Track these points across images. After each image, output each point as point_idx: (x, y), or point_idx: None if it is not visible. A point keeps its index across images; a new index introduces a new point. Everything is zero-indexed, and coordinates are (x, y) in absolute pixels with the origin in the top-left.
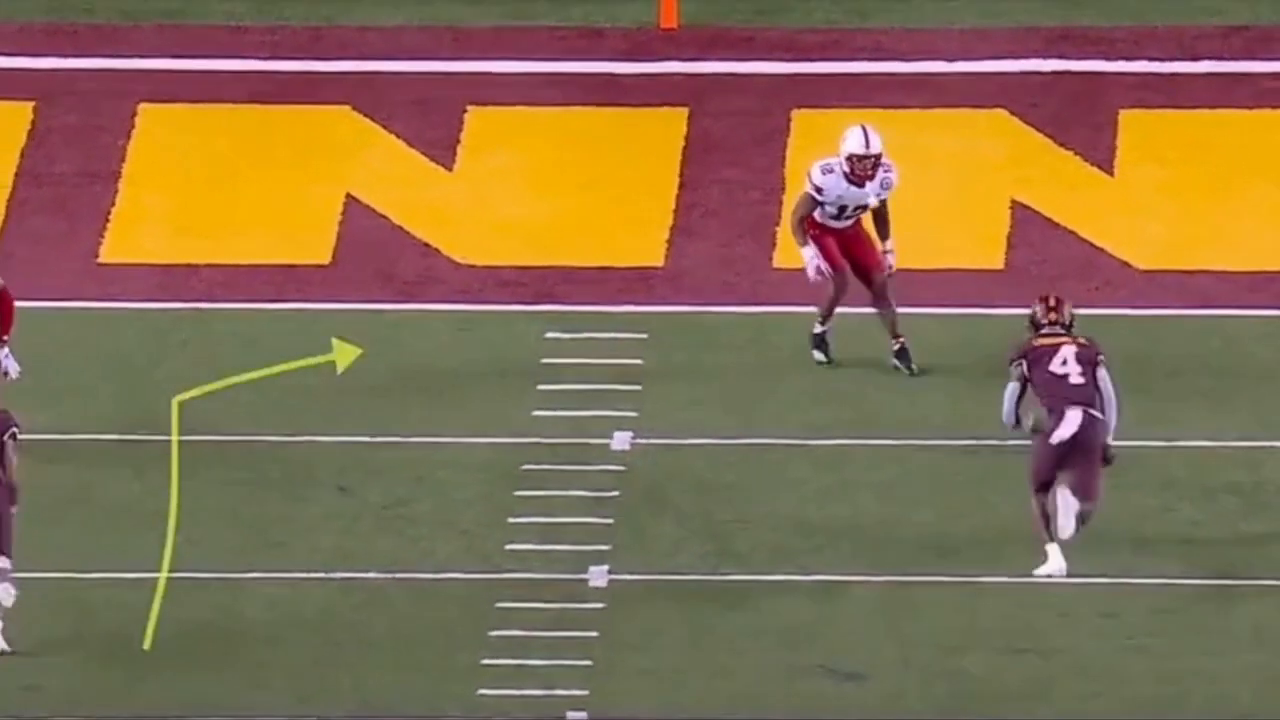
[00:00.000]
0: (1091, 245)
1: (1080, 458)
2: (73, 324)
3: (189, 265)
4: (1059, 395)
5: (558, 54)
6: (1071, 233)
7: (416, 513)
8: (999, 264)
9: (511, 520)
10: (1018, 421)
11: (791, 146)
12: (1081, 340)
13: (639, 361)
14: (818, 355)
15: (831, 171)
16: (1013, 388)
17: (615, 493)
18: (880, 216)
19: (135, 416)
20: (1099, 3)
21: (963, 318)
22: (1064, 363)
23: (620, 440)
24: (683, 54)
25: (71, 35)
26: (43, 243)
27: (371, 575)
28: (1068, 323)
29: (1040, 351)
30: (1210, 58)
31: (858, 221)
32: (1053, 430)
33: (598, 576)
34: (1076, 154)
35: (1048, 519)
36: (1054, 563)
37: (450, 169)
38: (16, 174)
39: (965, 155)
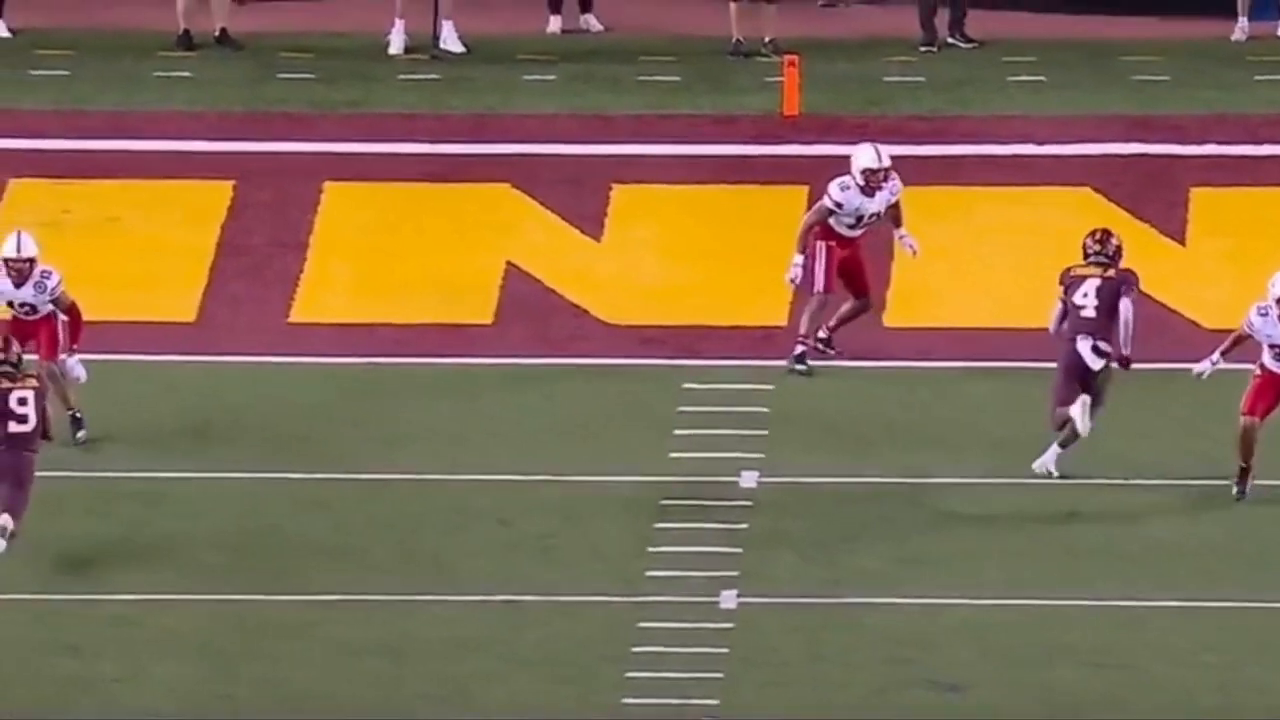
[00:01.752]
0: (1165, 307)
1: (1090, 381)
2: (265, 377)
3: (367, 325)
4: (1072, 325)
5: (693, 138)
6: (1147, 295)
7: (567, 543)
8: None
9: (651, 550)
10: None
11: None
12: (1110, 273)
13: (764, 409)
14: (800, 367)
15: (849, 188)
16: (1058, 307)
17: (743, 525)
18: (893, 213)
19: (324, 459)
20: (1173, 93)
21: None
22: (1084, 295)
23: (748, 479)
24: (803, 138)
25: (267, 122)
26: (239, 305)
27: (527, 598)
28: (1110, 254)
29: (1073, 279)
30: (1271, 142)
31: (861, 241)
32: (1074, 362)
33: (728, 600)
34: (1152, 226)
35: (1064, 423)
36: (1047, 455)
37: (598, 240)
38: (217, 245)
39: (1055, 228)
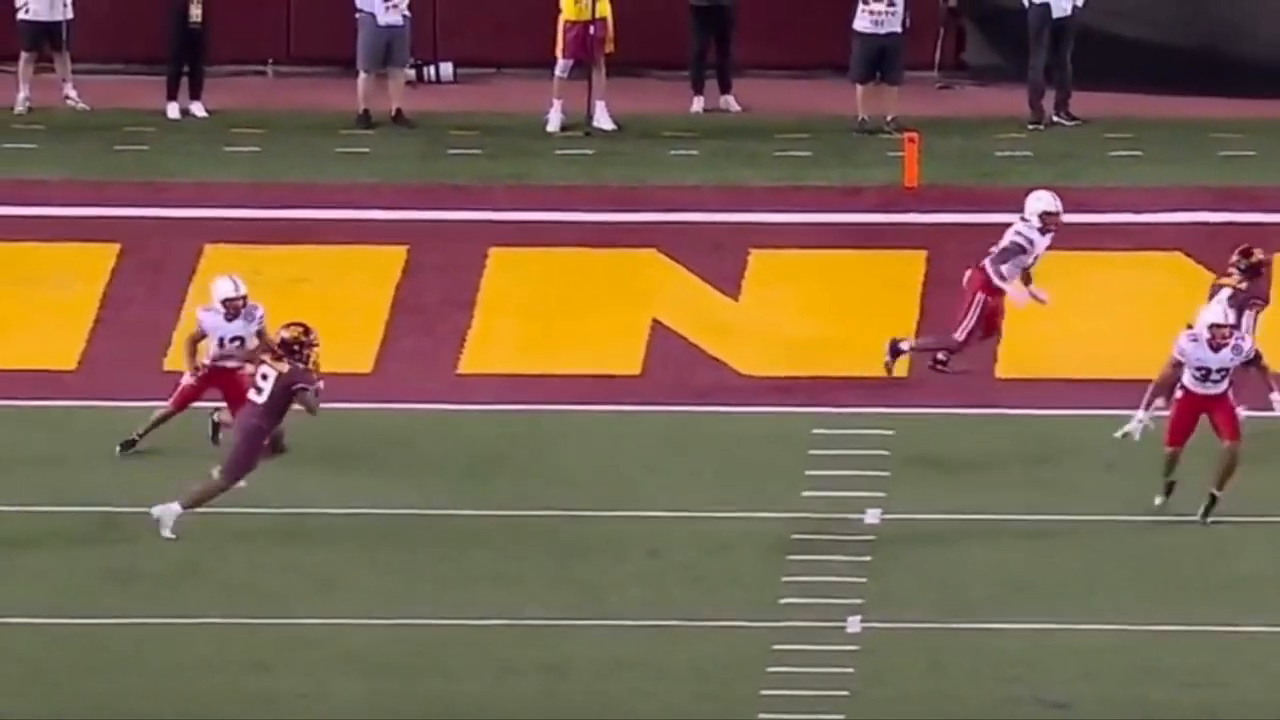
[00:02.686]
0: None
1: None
2: (436, 423)
3: (529, 375)
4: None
5: (822, 208)
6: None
7: (711, 572)
8: None
9: (785, 579)
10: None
11: None
12: (1244, 285)
13: (887, 453)
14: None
15: (1029, 223)
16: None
17: (868, 558)
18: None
19: (490, 497)
20: (1256, 167)
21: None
22: (1218, 302)
23: (872, 516)
24: (922, 208)
25: (438, 194)
26: (413, 359)
27: (674, 622)
28: (1246, 267)
29: (1214, 288)
30: None
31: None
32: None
33: (854, 624)
34: None
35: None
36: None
37: (737, 299)
38: (392, 304)
39: (1150, 289)
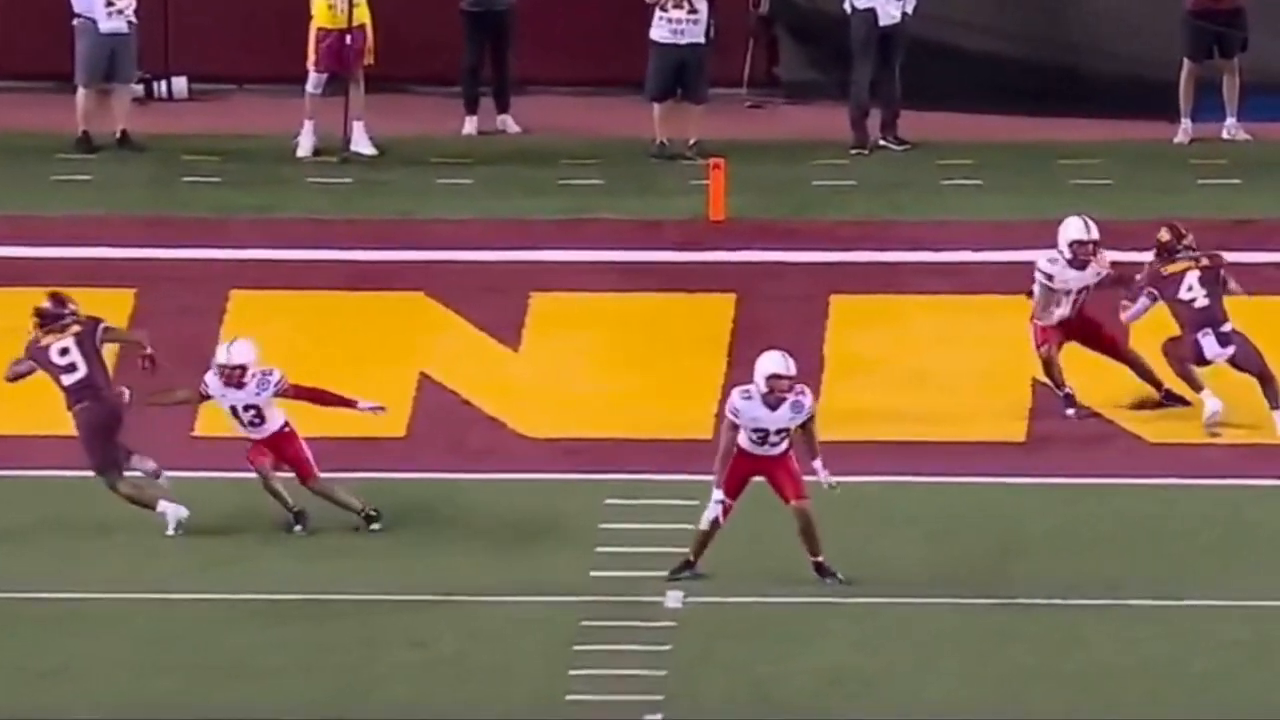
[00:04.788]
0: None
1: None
2: (178, 488)
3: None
4: (1190, 321)
5: (615, 244)
6: (1094, 411)
7: (484, 664)
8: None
9: (572, 672)
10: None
11: (831, 329)
12: (1204, 261)
13: (689, 526)
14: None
15: (1057, 261)
16: (1143, 303)
17: (668, 647)
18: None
19: (229, 579)
20: (1115, 197)
21: (984, 486)
22: (1189, 289)
23: (673, 599)
24: (730, 244)
25: (171, 228)
26: (142, 421)
27: None
28: (1194, 245)
29: (1167, 279)
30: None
31: (1082, 303)
32: (1196, 356)
33: None
34: None
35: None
36: (1211, 403)
37: (516, 349)
38: (117, 356)
39: (992, 337)
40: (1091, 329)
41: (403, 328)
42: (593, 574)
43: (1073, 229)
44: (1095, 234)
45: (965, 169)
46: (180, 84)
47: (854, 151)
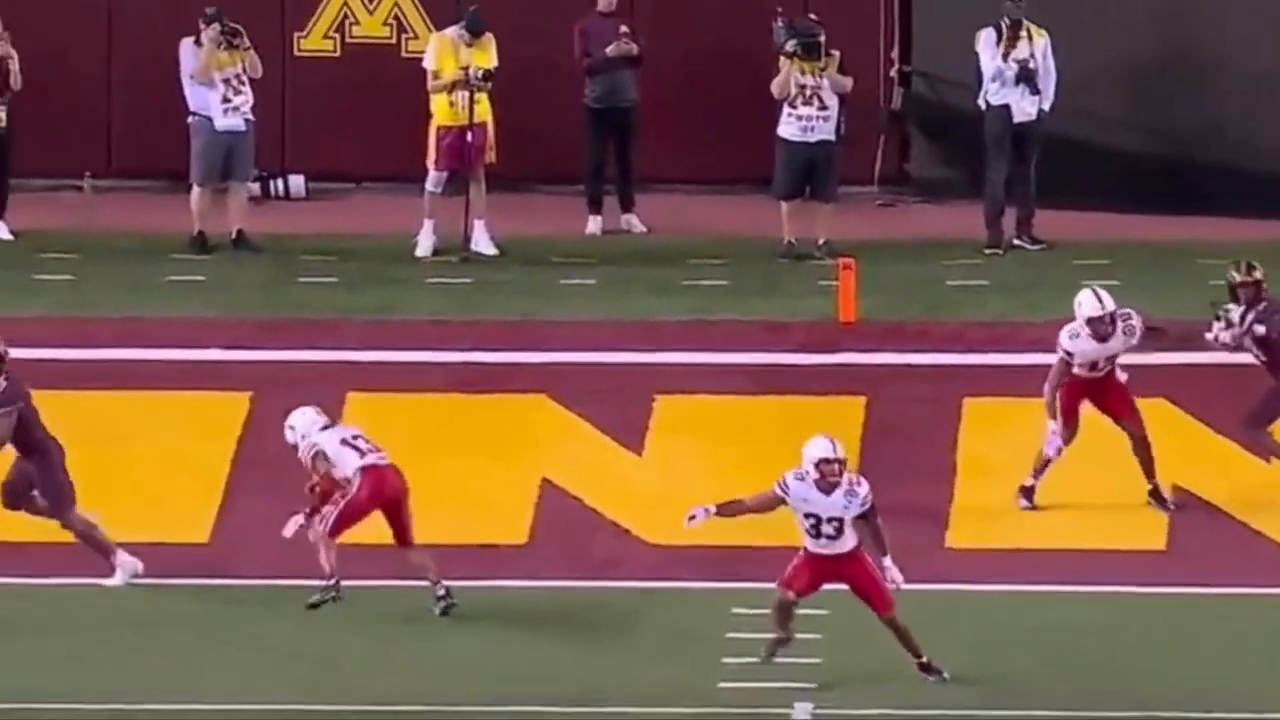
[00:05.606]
0: (1248, 527)
1: None
2: (278, 597)
3: (388, 546)
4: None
5: (742, 346)
6: (1228, 514)
7: None
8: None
9: None
10: None
11: (963, 432)
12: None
13: (820, 636)
14: (1023, 503)
15: (1078, 336)
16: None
17: None
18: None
19: (343, 689)
20: None
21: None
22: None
23: (801, 710)
24: (860, 346)
25: (286, 328)
26: (258, 526)
27: None
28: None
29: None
30: None
31: (1111, 370)
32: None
33: None
34: (1232, 440)
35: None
36: None
37: (640, 453)
38: (233, 460)
39: (1125, 440)
40: (1114, 393)
41: (524, 431)
42: (720, 685)
43: (1087, 306)
44: (1110, 306)
45: (1102, 269)
46: (298, 182)
47: (988, 251)
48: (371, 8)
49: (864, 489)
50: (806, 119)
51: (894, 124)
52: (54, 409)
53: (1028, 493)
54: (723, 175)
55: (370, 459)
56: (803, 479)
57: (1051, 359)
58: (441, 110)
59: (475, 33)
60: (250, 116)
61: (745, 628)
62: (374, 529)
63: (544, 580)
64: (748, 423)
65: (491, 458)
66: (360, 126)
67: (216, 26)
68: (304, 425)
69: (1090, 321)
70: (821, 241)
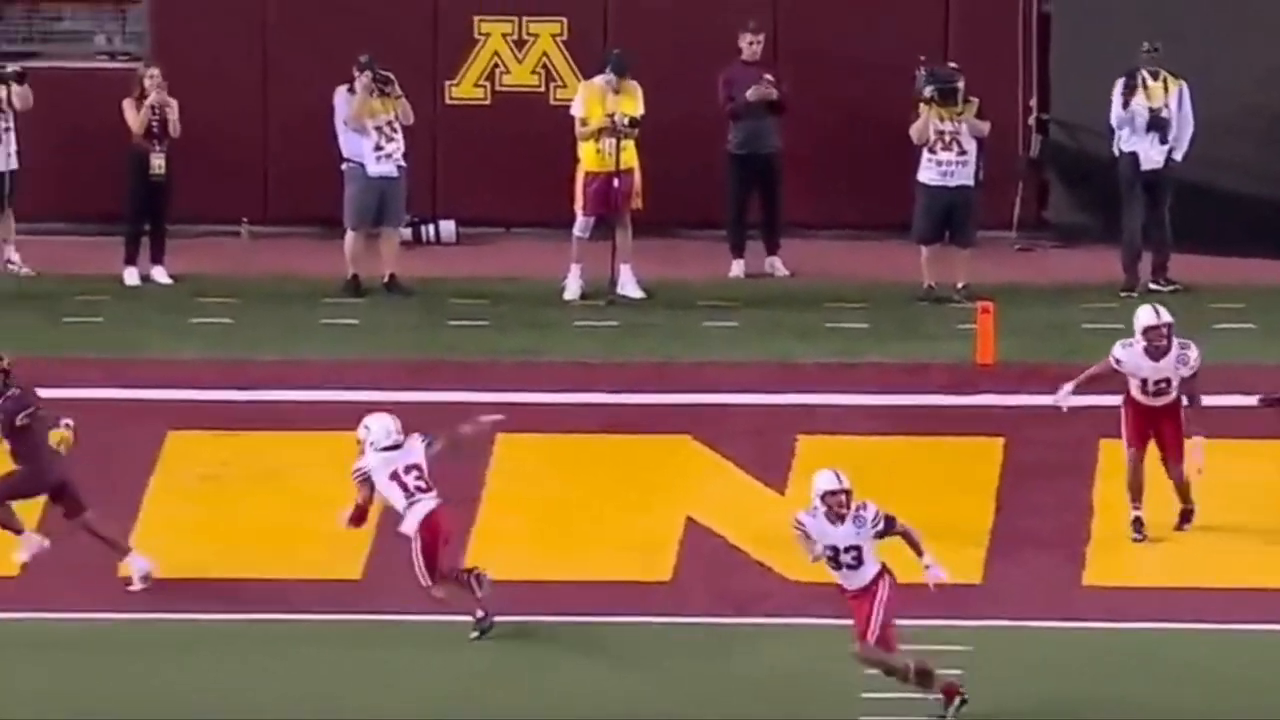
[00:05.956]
0: None
1: None
2: (428, 635)
3: (540, 581)
4: None
5: (883, 387)
6: None
7: None
8: None
9: None
10: None
11: (1100, 474)
12: None
13: (963, 672)
14: (1135, 535)
15: (1130, 346)
16: None
17: None
18: (1186, 387)
19: None
20: None
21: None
22: None
23: None
24: (998, 388)
25: (437, 370)
26: (408, 565)
27: None
28: None
29: None
30: None
31: (1174, 403)
32: None
33: None
34: None
35: None
36: None
37: (783, 492)
38: None
39: (1262, 484)
40: (1168, 432)
41: (669, 471)
42: (861, 719)
43: (1144, 316)
44: (1167, 319)
45: (1236, 312)
46: (448, 227)
47: (1123, 294)
48: (521, 57)
49: (870, 510)
50: (945, 164)
51: (1032, 170)
52: (211, 449)
53: (1138, 524)
54: (863, 220)
55: (418, 500)
56: (814, 515)
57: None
58: (589, 156)
59: (619, 73)
60: (402, 163)
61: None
62: (512, 564)
63: (688, 617)
64: (888, 463)
65: (637, 497)
66: (509, 173)
67: (369, 74)
68: (376, 434)
69: (1146, 331)
70: (960, 285)
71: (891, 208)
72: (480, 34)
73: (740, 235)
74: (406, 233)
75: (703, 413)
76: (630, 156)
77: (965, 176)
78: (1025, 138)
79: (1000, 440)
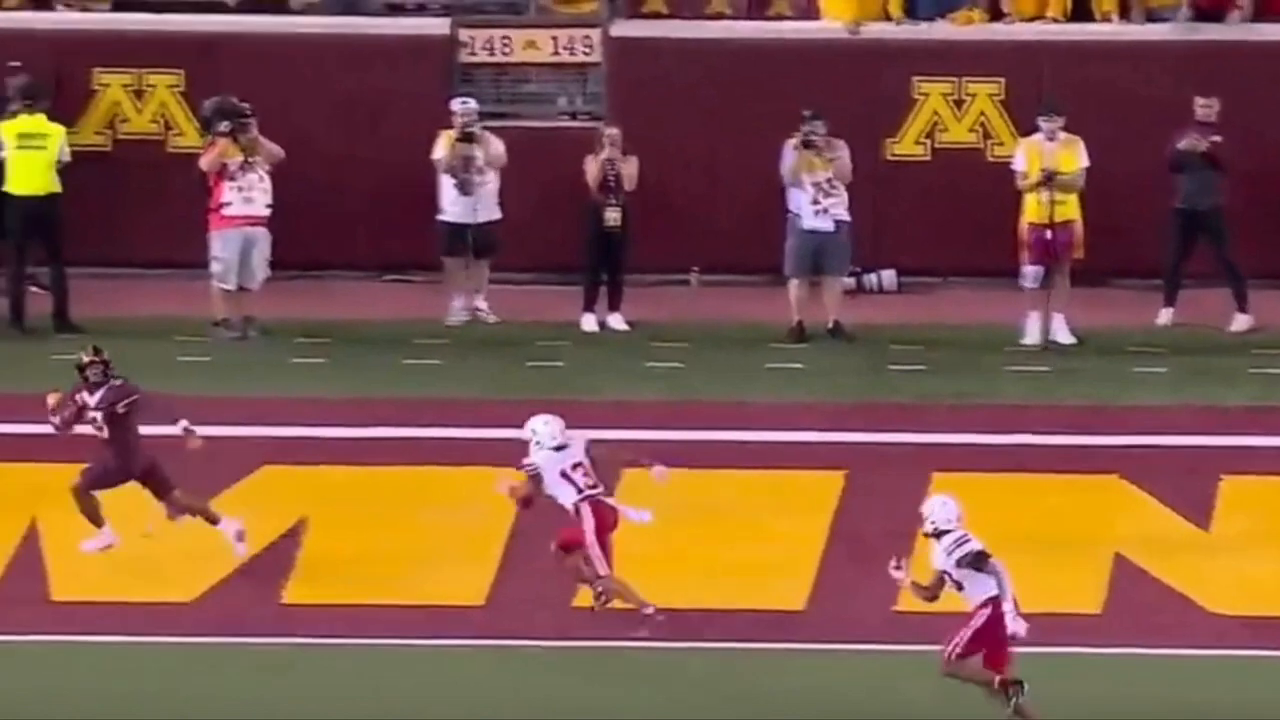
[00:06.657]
0: None
1: None
2: (872, 665)
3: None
4: None
5: None
6: None
7: None
8: None
9: None
10: None
11: None
12: None
13: None
14: None
15: None
16: None
17: None
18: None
19: None
20: None
21: None
22: None
23: None
24: None
25: (877, 412)
26: (851, 596)
27: None
28: None
29: None
30: None
31: None
32: None
33: None
34: None
35: None
36: None
37: (1207, 529)
38: (829, 534)
39: None
40: None
41: (1098, 510)
42: None
43: None
44: None
45: None
46: (889, 276)
47: None
48: (960, 117)
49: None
50: None
51: None
52: (658, 487)
53: None
54: None
55: (587, 493)
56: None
57: None
58: (1030, 208)
59: (1055, 112)
60: (842, 217)
61: None
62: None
63: (1116, 648)
64: None
65: (1067, 534)
66: (947, 224)
67: (805, 129)
68: (543, 435)
69: None
70: None
71: None
72: (919, 94)
73: (1175, 285)
74: (850, 281)
75: (1131, 454)
76: (1071, 209)
77: None
78: None
79: None
